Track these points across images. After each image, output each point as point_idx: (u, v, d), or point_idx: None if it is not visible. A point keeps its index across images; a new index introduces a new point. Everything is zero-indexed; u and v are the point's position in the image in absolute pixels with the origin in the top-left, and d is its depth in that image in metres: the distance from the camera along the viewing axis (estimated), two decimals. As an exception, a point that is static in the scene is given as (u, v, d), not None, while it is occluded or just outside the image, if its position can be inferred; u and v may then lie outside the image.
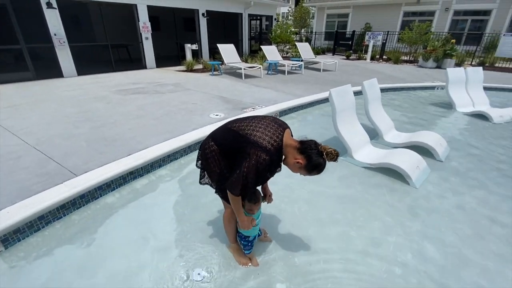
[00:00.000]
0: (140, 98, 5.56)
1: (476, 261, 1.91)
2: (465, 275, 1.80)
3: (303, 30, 23.34)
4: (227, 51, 9.09)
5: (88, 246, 1.99)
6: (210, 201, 2.46)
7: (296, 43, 10.71)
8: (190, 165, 3.14)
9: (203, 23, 11.35)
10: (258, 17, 14.47)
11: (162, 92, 6.11)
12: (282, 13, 30.39)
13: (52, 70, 7.76)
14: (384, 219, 2.33)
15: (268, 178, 1.59)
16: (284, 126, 1.48)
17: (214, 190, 1.69)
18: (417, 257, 1.93)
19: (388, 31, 14.07)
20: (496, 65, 11.17)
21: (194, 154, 3.37)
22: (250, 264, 1.83)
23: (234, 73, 9.03)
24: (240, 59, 9.65)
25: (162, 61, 10.44)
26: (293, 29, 16.13)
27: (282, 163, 1.53)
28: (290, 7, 26.00)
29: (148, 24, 9.50)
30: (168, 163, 3.12)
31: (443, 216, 2.39)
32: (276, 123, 1.47)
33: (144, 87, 6.73)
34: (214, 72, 8.83)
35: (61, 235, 2.07)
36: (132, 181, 2.74)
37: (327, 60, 10.28)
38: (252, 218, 1.60)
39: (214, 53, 11.48)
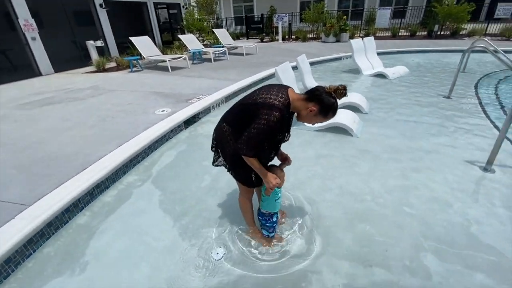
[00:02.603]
0: (55, 109, 4.71)
1: (412, 176, 2.60)
2: (408, 186, 2.45)
3: (210, 17, 23.03)
4: (143, 44, 8.36)
5: (83, 271, 1.79)
6: (194, 191, 2.50)
7: (214, 30, 10.66)
8: (156, 165, 3.00)
9: (103, 15, 9.98)
10: (164, 5, 13.54)
11: (81, 99, 5.30)
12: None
13: None
14: (343, 165, 2.86)
15: (279, 142, 1.64)
16: (287, 86, 1.52)
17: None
18: (377, 185, 2.49)
19: (292, 12, 15.37)
20: (377, 34, 13.76)
21: (157, 154, 3.23)
22: (275, 242, 1.90)
23: (156, 66, 8.44)
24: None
25: (61, 64, 8.76)
26: (204, 16, 15.81)
27: (290, 125, 1.60)
28: (193, -6, 25.08)
29: (32, 21, 7.77)
30: (132, 168, 2.90)
31: (382, 152, 3.08)
32: (277, 85, 1.52)
33: (53, 96, 5.66)
34: (134, 69, 8.04)
35: (42, 272, 1.78)
36: (100, 195, 2.47)
37: (247, 44, 10.64)
38: (275, 176, 1.55)
39: (125, 48, 10.34)
